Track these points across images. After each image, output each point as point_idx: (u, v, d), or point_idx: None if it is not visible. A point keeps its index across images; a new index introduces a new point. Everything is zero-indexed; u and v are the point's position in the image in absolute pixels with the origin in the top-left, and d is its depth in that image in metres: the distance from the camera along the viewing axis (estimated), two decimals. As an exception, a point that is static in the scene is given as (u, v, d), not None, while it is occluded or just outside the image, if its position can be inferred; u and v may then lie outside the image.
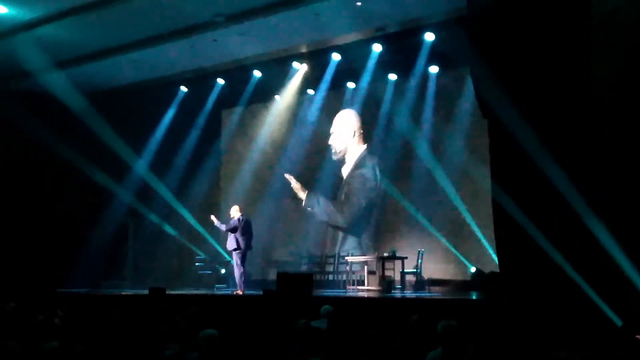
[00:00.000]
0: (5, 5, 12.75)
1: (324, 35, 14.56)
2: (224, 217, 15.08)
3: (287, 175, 17.23)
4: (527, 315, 8.50)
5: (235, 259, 13.77)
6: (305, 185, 17.46)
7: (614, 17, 8.97)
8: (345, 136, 17.02)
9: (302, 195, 17.29)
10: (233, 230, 13.70)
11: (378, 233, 16.31)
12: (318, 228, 17.26)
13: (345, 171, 16.94)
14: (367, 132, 16.84)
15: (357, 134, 16.82)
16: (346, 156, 17.00)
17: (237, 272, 13.74)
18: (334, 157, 17.07)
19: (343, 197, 16.86)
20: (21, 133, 15.74)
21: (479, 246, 14.27)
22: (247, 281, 16.71)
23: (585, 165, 8.76)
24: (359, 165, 16.74)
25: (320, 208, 17.17)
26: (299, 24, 13.77)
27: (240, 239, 13.68)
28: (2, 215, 16.39)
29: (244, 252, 13.78)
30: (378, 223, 16.37)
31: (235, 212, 13.92)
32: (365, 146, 16.69)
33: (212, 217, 14.37)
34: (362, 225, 16.53)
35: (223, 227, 13.96)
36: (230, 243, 13.78)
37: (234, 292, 13.70)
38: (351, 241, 16.61)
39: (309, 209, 17.22)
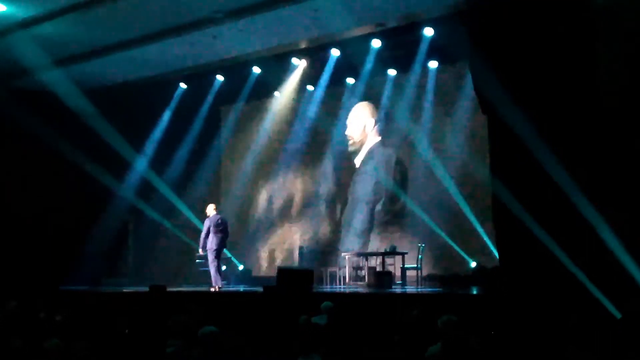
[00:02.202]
0: (4, 3, 12.74)
1: (323, 31, 14.52)
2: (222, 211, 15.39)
3: None
4: (527, 309, 8.52)
5: (210, 257, 13.79)
6: (305, 181, 17.49)
7: (613, 10, 8.97)
8: (360, 127, 16.91)
9: None
10: (208, 232, 13.76)
11: (383, 227, 16.26)
12: (318, 224, 17.26)
13: (357, 163, 16.93)
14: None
15: (372, 125, 16.73)
16: (362, 148, 16.88)
17: (212, 269, 13.75)
18: (350, 149, 16.99)
19: (353, 189, 16.82)
20: (21, 131, 15.69)
21: (479, 241, 14.28)
22: (249, 278, 16.83)
23: (585, 159, 8.78)
24: (367, 158, 16.69)
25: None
26: (298, 20, 13.74)
27: (215, 237, 13.73)
28: (2, 214, 16.38)
29: (219, 249, 13.84)
30: (383, 218, 16.33)
31: (210, 211, 13.99)
32: (379, 138, 16.63)
33: (199, 253, 14.45)
34: (368, 219, 16.45)
35: (202, 237, 13.89)
36: (209, 243, 13.79)
37: (211, 289, 13.69)
38: (354, 236, 16.59)
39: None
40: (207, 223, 13.85)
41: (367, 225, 16.50)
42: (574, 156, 8.75)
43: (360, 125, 16.94)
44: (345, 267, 15.23)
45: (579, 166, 8.69)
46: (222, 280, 14.15)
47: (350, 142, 17.00)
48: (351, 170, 17.05)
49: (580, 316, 7.31)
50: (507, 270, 9.52)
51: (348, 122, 17.06)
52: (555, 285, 8.61)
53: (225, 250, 16.67)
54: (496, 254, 11.57)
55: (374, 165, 16.58)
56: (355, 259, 15.37)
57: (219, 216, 14.06)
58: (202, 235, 13.89)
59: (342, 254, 15.57)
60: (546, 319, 7.96)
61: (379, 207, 16.36)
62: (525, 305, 8.62)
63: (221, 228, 13.93)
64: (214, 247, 13.75)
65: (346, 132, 17.05)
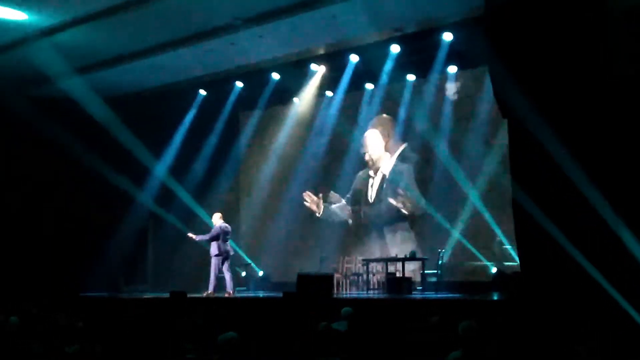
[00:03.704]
0: (25, 12, 12.85)
1: (342, 37, 14.54)
2: (241, 220, 15.22)
3: (304, 194, 17.53)
4: (548, 314, 8.45)
5: (216, 264, 14.20)
6: (325, 186, 17.50)
7: (631, 14, 8.90)
8: (378, 150, 16.89)
9: (319, 211, 17.45)
10: (215, 238, 14.21)
11: (405, 233, 16.19)
12: (339, 229, 17.24)
13: (386, 168, 16.81)
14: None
15: (390, 140, 16.73)
16: (384, 160, 16.85)
17: (212, 275, 14.19)
18: (375, 166, 16.98)
19: (386, 193, 16.75)
20: (42, 138, 15.85)
21: (499, 246, 14.20)
22: (268, 283, 16.80)
23: (606, 163, 8.70)
24: (390, 165, 16.64)
25: (339, 216, 17.31)
26: (317, 26, 13.75)
27: (222, 245, 14.21)
28: (23, 221, 16.50)
29: (225, 257, 14.31)
30: (404, 223, 16.23)
31: (217, 220, 14.45)
32: (405, 144, 16.53)
33: (190, 235, 14.78)
34: (390, 225, 16.42)
35: (206, 237, 14.44)
36: (213, 249, 14.27)
37: (205, 294, 14.06)
38: (376, 241, 16.58)
39: (329, 219, 17.36)
40: (218, 230, 14.24)
41: (389, 231, 16.42)
42: (595, 160, 8.67)
43: (378, 148, 16.90)
44: (365, 273, 15.18)
45: (600, 170, 8.61)
46: (243, 287, 14.33)
47: (371, 162, 16.98)
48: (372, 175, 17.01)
49: (602, 321, 7.24)
50: (528, 276, 9.45)
51: (365, 148, 17.01)
52: (576, 291, 8.54)
53: (244, 256, 16.81)
54: (517, 259, 11.50)
55: (396, 172, 16.50)
56: (375, 264, 15.32)
57: (225, 225, 14.49)
58: (207, 237, 14.38)
59: (363, 260, 15.53)
60: (567, 324, 7.89)
61: (400, 212, 16.28)
62: (546, 311, 8.55)
63: (229, 236, 14.54)
64: (225, 254, 14.26)
65: (366, 159, 17.02)
